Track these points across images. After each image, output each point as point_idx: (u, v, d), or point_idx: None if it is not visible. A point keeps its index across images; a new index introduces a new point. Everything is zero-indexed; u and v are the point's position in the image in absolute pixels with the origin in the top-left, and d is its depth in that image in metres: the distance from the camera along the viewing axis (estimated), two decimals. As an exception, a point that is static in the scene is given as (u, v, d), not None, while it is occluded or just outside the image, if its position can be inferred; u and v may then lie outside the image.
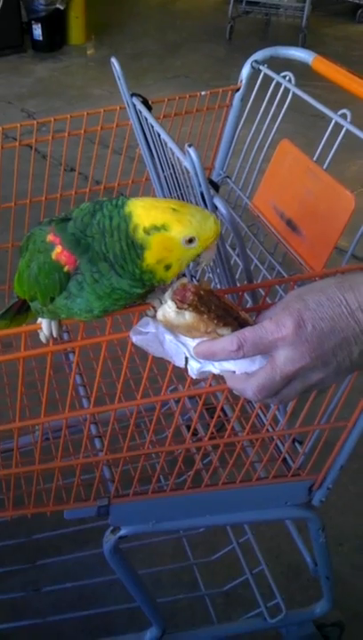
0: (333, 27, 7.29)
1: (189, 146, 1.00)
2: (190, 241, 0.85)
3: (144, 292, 0.92)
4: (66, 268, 0.90)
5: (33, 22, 6.17)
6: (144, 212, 0.86)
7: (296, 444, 1.32)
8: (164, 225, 0.85)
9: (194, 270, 1.44)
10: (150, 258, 0.86)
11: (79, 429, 1.49)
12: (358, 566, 1.93)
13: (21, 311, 1.16)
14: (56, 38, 6.37)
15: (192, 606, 1.78)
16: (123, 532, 1.31)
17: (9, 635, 1.70)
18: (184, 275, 0.89)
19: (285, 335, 0.81)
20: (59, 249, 0.90)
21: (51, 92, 5.47)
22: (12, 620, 1.69)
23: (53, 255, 0.91)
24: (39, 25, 6.17)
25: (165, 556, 1.88)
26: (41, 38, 6.25)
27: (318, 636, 1.67)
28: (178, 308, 0.85)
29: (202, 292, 0.86)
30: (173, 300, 0.86)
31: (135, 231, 0.85)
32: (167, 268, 0.87)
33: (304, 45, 6.11)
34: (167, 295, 0.87)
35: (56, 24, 6.31)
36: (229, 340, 0.84)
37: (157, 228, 0.85)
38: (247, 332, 0.83)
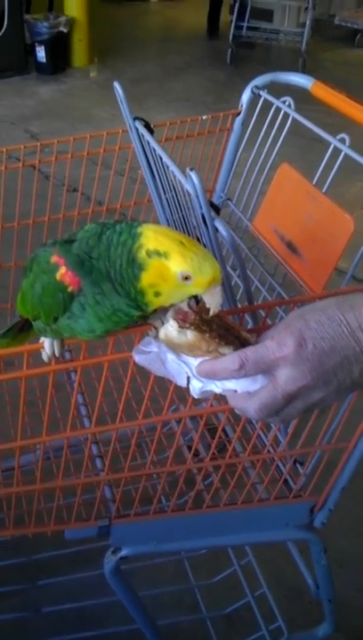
0: (332, 51, 7.39)
1: (191, 169, 1.02)
2: (186, 278, 0.85)
3: (142, 315, 0.93)
4: (70, 289, 0.91)
5: (37, 44, 6.27)
6: (153, 236, 0.87)
7: (297, 465, 1.33)
8: (166, 253, 0.85)
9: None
10: (144, 280, 0.86)
11: (80, 449, 1.49)
12: (360, 588, 1.91)
13: (23, 330, 1.17)
14: (59, 61, 6.47)
15: (193, 629, 1.76)
16: (124, 552, 1.30)
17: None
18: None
19: (286, 354, 0.82)
20: (63, 270, 0.92)
21: (54, 114, 5.54)
22: (11, 641, 1.68)
23: (58, 276, 0.92)
24: (43, 47, 6.27)
25: (165, 577, 1.86)
26: (45, 60, 6.34)
27: (320, 659, 1.66)
28: (180, 327, 0.86)
29: (203, 312, 0.87)
30: (175, 319, 0.87)
31: (138, 250, 0.86)
32: (156, 294, 0.87)
33: (304, 70, 6.20)
34: (169, 314, 0.88)
35: (59, 47, 6.42)
36: (230, 359, 0.85)
37: (158, 254, 0.86)
38: (249, 352, 0.84)
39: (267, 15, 6.85)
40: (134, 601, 1.43)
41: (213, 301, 0.87)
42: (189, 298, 0.88)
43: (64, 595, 1.78)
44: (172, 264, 0.85)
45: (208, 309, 0.87)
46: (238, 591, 1.74)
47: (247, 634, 1.67)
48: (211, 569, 1.82)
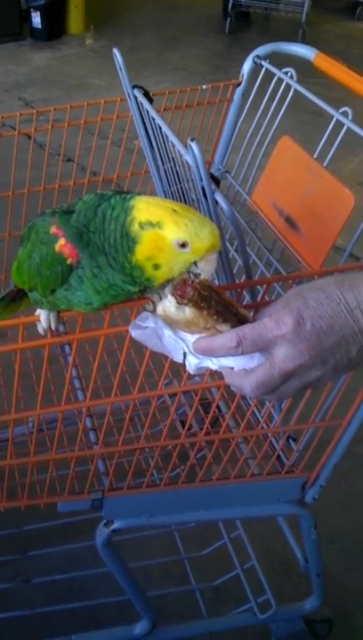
0: (332, 23, 7.27)
1: (192, 140, 1.00)
2: (183, 245, 0.84)
3: (139, 290, 0.91)
4: (69, 261, 0.90)
5: (32, 10, 6.15)
6: (145, 207, 0.86)
7: (291, 441, 1.33)
8: (159, 222, 0.84)
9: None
10: (140, 253, 0.85)
11: (73, 421, 1.49)
12: (348, 564, 1.94)
13: (16, 299, 1.16)
14: (55, 27, 6.35)
15: (182, 600, 1.78)
16: (116, 525, 1.31)
17: (-2, 625, 1.70)
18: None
19: (284, 333, 0.82)
20: (62, 241, 0.90)
21: (49, 81, 5.45)
22: (0, 610, 1.69)
23: (57, 247, 0.91)
24: (38, 13, 6.14)
25: (155, 549, 1.88)
26: (40, 27, 6.23)
27: (307, 632, 1.68)
28: (178, 303, 0.85)
29: (202, 288, 0.86)
30: (173, 295, 0.86)
31: (131, 224, 0.85)
32: (156, 267, 0.86)
33: (304, 41, 6.07)
34: (167, 290, 0.87)
35: (55, 13, 6.29)
36: (228, 336, 0.84)
37: (151, 225, 0.84)
38: (247, 329, 0.83)
39: (267, -16, 6.74)
40: (125, 572, 1.44)
41: (207, 268, 0.86)
42: (189, 271, 0.87)
43: (54, 565, 1.80)
44: (166, 232, 0.84)
45: (208, 285, 0.86)
46: (228, 564, 1.76)
47: (236, 606, 1.69)
48: (201, 541, 1.84)
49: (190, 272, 0.87)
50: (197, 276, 0.87)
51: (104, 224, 0.88)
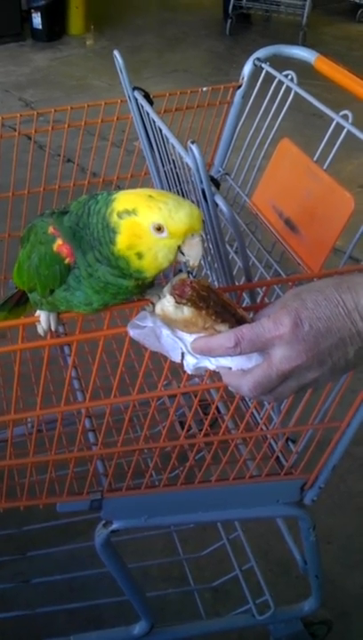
0: (333, 26, 7.28)
1: (192, 142, 1.00)
2: (159, 229, 0.83)
3: (136, 285, 0.91)
4: (67, 261, 0.91)
5: (33, 11, 6.16)
6: (124, 198, 0.86)
7: (289, 442, 1.33)
8: (134, 209, 0.84)
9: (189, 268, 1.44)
10: (121, 243, 0.85)
11: (72, 422, 1.49)
12: (346, 565, 1.94)
13: (20, 303, 1.16)
14: (56, 28, 6.36)
15: (181, 601, 1.78)
16: (115, 525, 1.31)
17: (-3, 625, 1.70)
18: (181, 270, 0.88)
19: (282, 334, 0.82)
20: (60, 241, 0.91)
21: (49, 82, 5.45)
22: (0, 610, 1.69)
23: (55, 247, 0.91)
24: (39, 14, 6.16)
25: (154, 550, 1.88)
26: (40, 27, 6.24)
27: (305, 633, 1.68)
28: (176, 302, 0.85)
29: (201, 288, 0.86)
30: (171, 294, 0.86)
31: (111, 215, 0.86)
32: (139, 256, 0.85)
33: (304, 44, 6.10)
34: (166, 290, 0.88)
35: (56, 13, 6.30)
36: (226, 336, 0.84)
37: (128, 212, 0.84)
38: (245, 330, 0.84)
39: (268, -14, 6.75)
40: (124, 573, 1.44)
41: (192, 253, 0.85)
42: (180, 263, 0.86)
43: (53, 566, 1.80)
44: (141, 218, 0.83)
45: (206, 285, 0.86)
46: (226, 565, 1.76)
47: (234, 607, 1.69)
48: (199, 542, 1.84)
49: (179, 261, 0.86)
50: (182, 270, 0.86)
51: (89, 219, 0.88)
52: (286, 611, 1.66)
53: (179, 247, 0.85)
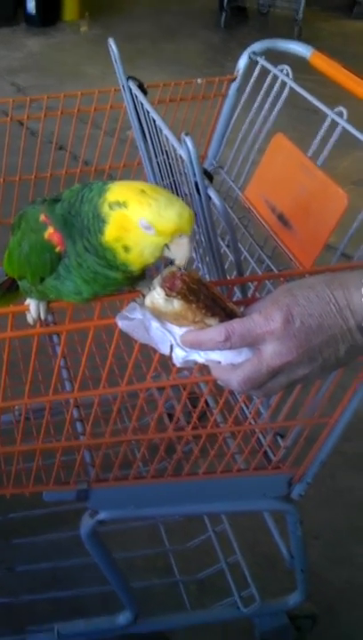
0: (328, 21, 7.25)
1: (186, 135, 1.00)
2: (146, 225, 0.83)
3: (126, 277, 0.91)
4: (57, 249, 0.90)
5: (27, -4, 6.10)
6: (117, 189, 0.86)
7: (278, 437, 1.33)
8: (124, 202, 0.84)
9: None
10: (109, 234, 0.85)
11: (60, 411, 1.49)
12: (332, 560, 1.95)
13: (10, 291, 1.16)
14: (50, 13, 6.30)
15: (166, 592, 1.78)
16: (101, 516, 1.31)
17: (-19, 613, 1.70)
18: (172, 262, 0.88)
19: (273, 329, 0.82)
20: (51, 229, 0.90)
21: (42, 68, 5.41)
22: (-17, 598, 1.69)
23: (46, 235, 0.91)
24: (33, -1, 6.09)
25: (140, 540, 1.88)
26: (34, 12, 6.18)
27: (290, 627, 1.69)
28: (167, 295, 0.85)
29: (191, 281, 0.86)
30: (161, 287, 0.86)
31: (102, 205, 0.85)
32: (126, 249, 0.85)
33: (299, 39, 6.05)
34: (156, 282, 0.87)
35: (50, -1, 6.24)
36: (217, 330, 0.84)
37: (118, 204, 0.84)
38: (236, 324, 0.83)
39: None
40: (109, 563, 1.45)
41: (179, 253, 0.85)
42: (166, 257, 0.86)
43: (38, 554, 1.79)
44: (130, 212, 0.83)
45: (197, 278, 0.86)
46: (212, 557, 1.76)
47: (220, 599, 1.69)
48: (185, 534, 1.84)
49: (166, 256, 0.86)
50: (172, 263, 0.86)
51: (81, 206, 0.88)
52: (271, 604, 1.66)
53: (167, 245, 0.85)
